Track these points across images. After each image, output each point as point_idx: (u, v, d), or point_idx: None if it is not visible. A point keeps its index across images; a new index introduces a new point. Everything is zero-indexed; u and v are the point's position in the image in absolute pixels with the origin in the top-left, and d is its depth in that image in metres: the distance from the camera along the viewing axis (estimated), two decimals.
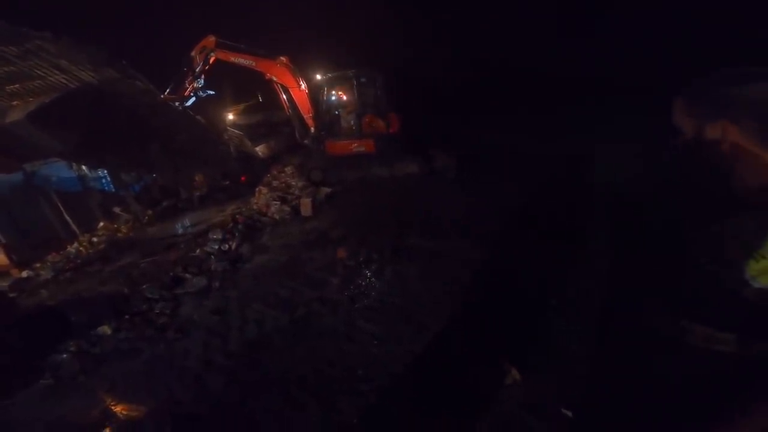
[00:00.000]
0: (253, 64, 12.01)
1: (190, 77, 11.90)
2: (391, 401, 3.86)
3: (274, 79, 12.11)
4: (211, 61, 11.91)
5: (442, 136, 12.61)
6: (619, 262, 5.25)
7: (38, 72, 7.82)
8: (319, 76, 12.39)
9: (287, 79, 11.99)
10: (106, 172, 12.64)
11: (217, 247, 8.23)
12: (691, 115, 1.50)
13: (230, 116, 14.95)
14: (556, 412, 3.32)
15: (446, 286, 5.66)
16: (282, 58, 11.94)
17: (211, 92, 12.77)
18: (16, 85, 8.18)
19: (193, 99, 12.10)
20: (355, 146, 11.73)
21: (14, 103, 8.60)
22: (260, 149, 14.24)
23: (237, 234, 8.64)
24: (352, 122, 11.92)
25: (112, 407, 4.33)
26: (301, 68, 12.29)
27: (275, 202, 10.07)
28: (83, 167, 11.96)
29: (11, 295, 7.61)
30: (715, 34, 12.04)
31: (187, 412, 4.03)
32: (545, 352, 4.09)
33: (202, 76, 12.02)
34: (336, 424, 3.66)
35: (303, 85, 12.08)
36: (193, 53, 11.91)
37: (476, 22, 19.64)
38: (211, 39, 11.85)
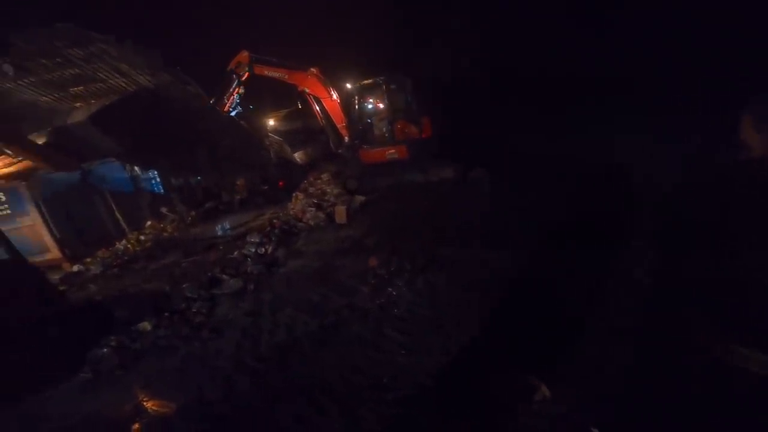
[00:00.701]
0: (285, 76, 12.36)
1: (230, 92, 12.32)
2: (416, 412, 3.79)
3: (307, 90, 12.38)
4: (246, 77, 12.28)
5: (476, 142, 12.42)
6: (663, 277, 4.95)
7: (100, 75, 8.34)
8: (349, 85, 12.57)
9: (318, 89, 12.23)
10: (156, 173, 13.37)
11: (254, 250, 8.45)
12: (762, 132, 1.39)
13: (271, 122, 15.40)
14: (586, 430, 3.14)
15: (477, 298, 5.53)
16: (312, 69, 12.20)
17: (251, 107, 13.24)
18: (80, 87, 8.73)
19: (235, 113, 12.56)
20: (389, 153, 11.77)
21: (77, 105, 9.21)
22: (298, 156, 14.59)
23: (273, 238, 8.84)
24: (384, 129, 12.00)
25: (145, 403, 4.50)
26: (331, 78, 12.50)
27: (311, 209, 10.24)
28: (136, 168, 12.69)
29: (62, 288, 8.12)
30: (715, 33, 11.52)
31: (216, 412, 4.13)
32: (578, 369, 3.89)
33: (242, 90, 12.44)
34: (358, 431, 3.63)
35: (334, 95, 12.27)
36: (229, 69, 12.32)
37: (495, 25, 19.27)
38: (245, 54, 12.22)
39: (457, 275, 6.24)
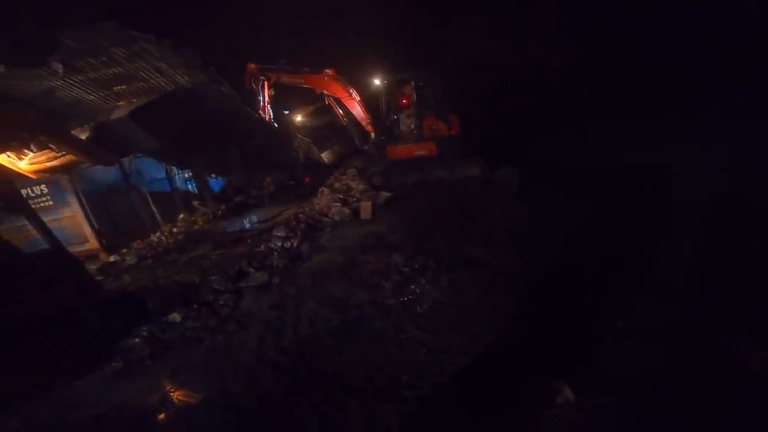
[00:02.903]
0: (302, 81, 12.40)
1: (262, 105, 12.42)
2: (434, 411, 3.76)
3: (325, 92, 12.38)
4: (266, 88, 12.33)
5: (504, 140, 12.16)
6: (697, 286, 4.71)
7: (142, 74, 8.63)
8: (377, 81, 12.47)
9: (337, 90, 12.20)
10: (190, 172, 13.86)
11: (280, 244, 8.56)
12: None
13: (298, 118, 15.57)
14: None
15: (502, 298, 5.42)
16: (328, 70, 12.15)
17: (285, 111, 13.35)
18: (123, 86, 9.06)
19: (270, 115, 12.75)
20: (417, 150, 11.65)
21: (120, 103, 9.60)
22: (326, 155, 14.69)
23: (299, 233, 8.93)
24: (412, 126, 11.86)
25: (171, 393, 4.64)
26: (351, 76, 12.45)
27: (336, 204, 10.28)
28: (173, 168, 13.15)
29: (99, 278, 8.47)
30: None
31: (237, 403, 4.21)
32: (604, 375, 3.75)
33: (269, 102, 12.51)
34: (376, 428, 3.62)
35: (354, 94, 12.20)
36: (247, 86, 12.37)
37: (527, 21, 18.75)
38: (252, 66, 12.29)
39: (481, 275, 6.14)
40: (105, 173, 10.99)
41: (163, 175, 13.01)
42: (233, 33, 22.56)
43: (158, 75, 8.67)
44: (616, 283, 5.18)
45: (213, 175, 14.12)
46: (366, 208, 9.64)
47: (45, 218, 8.24)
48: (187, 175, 14.00)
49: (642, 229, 6.66)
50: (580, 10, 17.65)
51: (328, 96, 12.53)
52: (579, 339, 4.27)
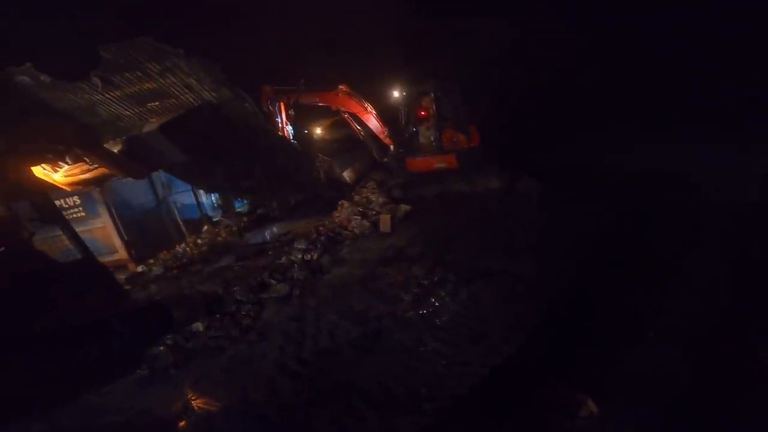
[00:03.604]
0: (317, 100, 12.56)
1: (281, 125, 12.57)
2: (453, 423, 3.72)
3: (341, 109, 12.53)
4: (282, 109, 12.48)
5: (525, 152, 12.06)
6: (723, 293, 4.55)
7: (173, 90, 8.97)
8: (396, 93, 12.54)
9: (352, 106, 12.32)
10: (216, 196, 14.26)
11: (300, 256, 8.67)
12: None
13: (318, 131, 15.79)
14: None
15: (521, 309, 5.35)
16: (341, 87, 12.29)
17: (305, 131, 13.54)
18: (156, 103, 9.44)
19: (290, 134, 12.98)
20: (437, 162, 11.65)
21: (152, 120, 10.01)
22: (347, 174, 14.83)
23: (319, 245, 9.03)
24: (431, 138, 11.87)
25: (193, 401, 4.72)
26: (368, 89, 12.57)
27: (356, 217, 10.37)
28: (200, 192, 13.53)
29: (127, 287, 8.73)
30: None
31: (257, 413, 4.25)
32: (629, 386, 3.64)
33: (287, 123, 12.69)
34: None
35: (369, 108, 12.30)
36: (264, 108, 12.45)
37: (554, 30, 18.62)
38: (267, 89, 12.44)
39: (501, 286, 6.08)
40: (135, 186, 11.38)
41: (188, 188, 13.38)
42: (250, 51, 23.17)
43: (188, 91, 8.99)
44: (640, 291, 5.05)
45: (237, 198, 14.42)
46: (385, 221, 9.69)
47: (77, 229, 8.56)
48: (214, 199, 14.42)
49: (664, 236, 6.49)
50: (595, 13, 17.52)
51: (345, 112, 12.69)
52: (601, 349, 4.17)
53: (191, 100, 9.26)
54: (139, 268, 10.29)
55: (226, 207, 14.10)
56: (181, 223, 12.55)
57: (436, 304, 5.99)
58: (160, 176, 12.21)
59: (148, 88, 8.61)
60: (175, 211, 12.52)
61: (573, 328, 4.64)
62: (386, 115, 12.68)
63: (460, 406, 3.83)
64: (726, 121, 10.13)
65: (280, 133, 12.48)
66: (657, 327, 4.35)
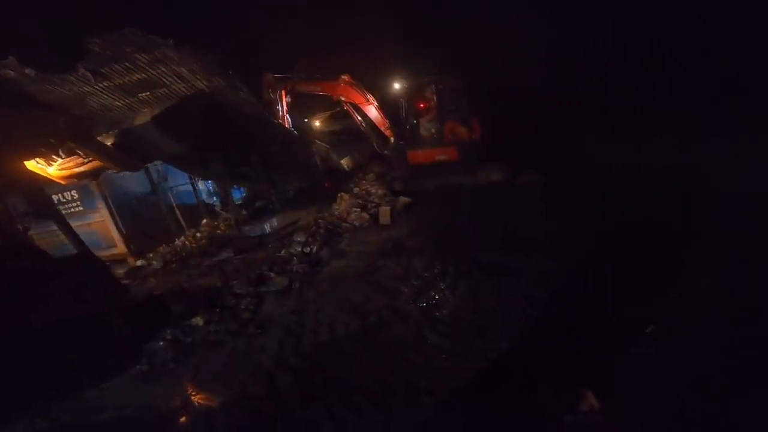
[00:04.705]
0: (319, 89, 12.41)
1: (281, 114, 12.43)
2: (452, 417, 3.69)
3: (342, 99, 12.40)
4: (283, 97, 12.34)
5: (527, 145, 11.95)
6: (727, 288, 4.50)
7: (164, 80, 8.88)
8: (398, 86, 12.43)
9: (354, 96, 12.18)
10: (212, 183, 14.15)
11: (299, 249, 8.61)
12: None
13: (317, 123, 15.66)
14: None
15: (522, 304, 5.31)
16: (344, 76, 12.13)
17: (305, 120, 13.41)
18: (147, 93, 9.36)
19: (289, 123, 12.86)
20: (438, 155, 11.57)
21: (144, 110, 9.89)
22: (345, 162, 14.74)
23: (318, 238, 8.97)
24: (433, 130, 11.79)
25: (192, 396, 4.70)
26: (369, 81, 12.43)
27: (355, 209, 10.30)
28: (196, 180, 13.44)
29: (126, 281, 8.69)
30: None
31: (256, 407, 4.23)
32: (631, 382, 3.61)
33: (287, 111, 12.52)
34: None
35: (371, 99, 12.19)
36: (265, 96, 12.36)
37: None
38: (269, 76, 12.34)
39: (501, 281, 6.03)
40: (132, 179, 11.30)
41: (187, 181, 13.30)
42: (251, 39, 22.94)
43: (179, 81, 8.90)
44: (642, 286, 5.00)
45: (234, 186, 14.34)
46: (385, 213, 9.62)
47: (76, 223, 8.54)
48: (210, 186, 14.31)
49: (668, 232, 6.43)
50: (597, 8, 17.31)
51: (346, 102, 12.56)
52: (603, 343, 4.13)
53: (183, 89, 9.16)
54: (139, 262, 10.25)
55: (224, 198, 14.02)
56: (179, 215, 12.48)
57: (436, 297, 5.95)
58: (156, 167, 12.10)
59: (138, 78, 8.52)
60: (173, 202, 12.45)
61: (574, 323, 4.60)
62: (386, 108, 12.55)
63: (459, 400, 3.81)
64: (735, 112, 9.99)
65: (279, 121, 12.34)
66: (659, 323, 4.30)
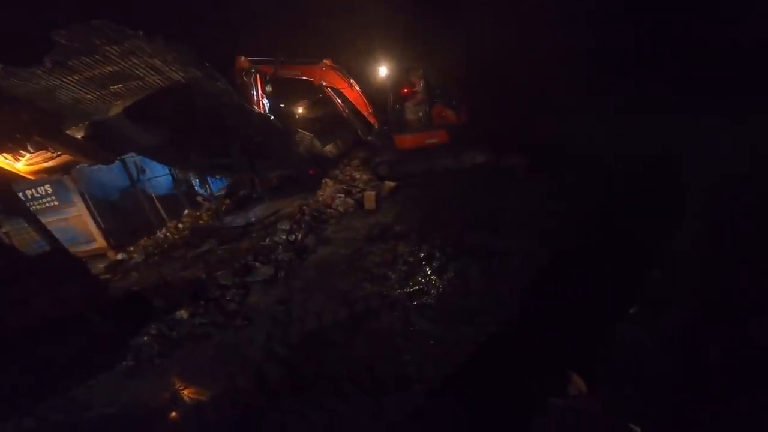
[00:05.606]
0: (299, 73, 12.06)
1: (256, 98, 11.96)
2: (442, 403, 3.71)
3: (323, 83, 12.11)
4: (258, 81, 11.84)
5: (513, 129, 11.94)
6: (716, 270, 4.58)
7: (137, 72, 8.51)
8: (382, 70, 12.22)
9: (336, 80, 11.94)
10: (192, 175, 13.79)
11: (284, 237, 8.50)
12: None
13: (299, 110, 15.38)
14: (624, 428, 2.94)
15: (509, 287, 5.33)
16: (326, 61, 11.86)
17: (282, 105, 13.09)
18: (119, 85, 8.97)
19: (267, 109, 12.47)
20: (429, 138, 11.47)
21: (117, 102, 9.51)
22: (328, 149, 14.52)
23: (303, 225, 8.86)
24: (420, 114, 11.68)
25: (180, 391, 4.63)
26: (349, 67, 12.19)
27: (340, 195, 10.20)
28: (175, 170, 13.08)
29: (107, 276, 8.49)
30: None
31: (245, 400, 4.19)
32: (617, 363, 3.67)
33: (269, 88, 12.09)
34: (384, 422, 3.58)
35: (353, 83, 11.95)
36: (237, 81, 11.82)
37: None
38: (242, 59, 11.78)
39: (488, 264, 6.03)
40: (109, 172, 10.96)
41: (167, 172, 12.96)
42: (229, 28, 22.18)
43: (153, 72, 8.56)
44: (627, 268, 5.05)
45: (215, 177, 14.01)
46: (369, 198, 9.54)
47: (52, 218, 8.26)
48: (190, 177, 13.97)
49: (651, 213, 6.51)
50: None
51: (327, 87, 12.29)
52: (590, 326, 4.17)
53: (158, 81, 8.83)
54: (119, 256, 10.01)
55: (204, 188, 13.72)
56: (159, 207, 12.20)
57: (424, 282, 5.94)
58: (134, 159, 11.74)
59: (109, 71, 8.16)
60: (152, 194, 12.14)
61: (560, 306, 4.64)
62: (369, 93, 12.36)
63: (449, 386, 3.83)
64: (712, 94, 10.08)
65: (254, 106, 12.01)
66: (642, 303, 4.36)
